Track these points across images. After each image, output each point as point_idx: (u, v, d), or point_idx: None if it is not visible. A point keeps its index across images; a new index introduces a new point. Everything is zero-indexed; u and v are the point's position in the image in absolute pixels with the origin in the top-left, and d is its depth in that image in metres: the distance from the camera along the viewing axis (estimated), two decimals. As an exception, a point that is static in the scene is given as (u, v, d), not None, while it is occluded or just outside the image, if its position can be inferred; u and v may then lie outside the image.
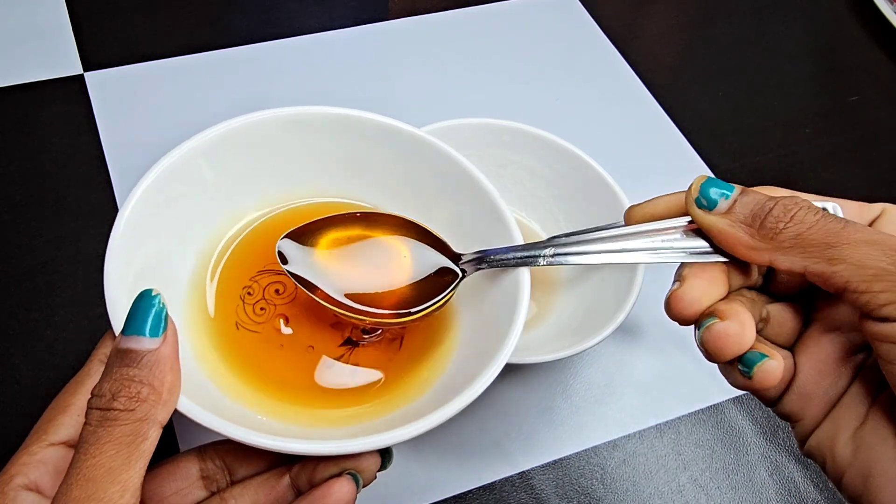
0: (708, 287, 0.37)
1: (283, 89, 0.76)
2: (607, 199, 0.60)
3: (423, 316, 0.45)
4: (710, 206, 0.36)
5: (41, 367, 0.56)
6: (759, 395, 0.39)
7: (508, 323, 0.43)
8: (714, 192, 0.36)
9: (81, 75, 0.73)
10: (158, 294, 0.36)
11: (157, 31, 0.79)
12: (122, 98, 0.72)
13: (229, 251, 0.49)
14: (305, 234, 0.47)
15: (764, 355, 0.35)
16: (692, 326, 0.37)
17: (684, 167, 0.76)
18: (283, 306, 0.48)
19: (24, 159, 0.67)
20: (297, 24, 0.82)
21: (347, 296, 0.45)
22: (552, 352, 0.52)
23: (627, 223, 0.40)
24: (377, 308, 0.45)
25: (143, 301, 0.36)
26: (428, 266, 0.46)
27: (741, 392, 0.62)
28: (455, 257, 0.46)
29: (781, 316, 0.39)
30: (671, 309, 0.37)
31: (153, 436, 0.34)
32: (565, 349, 0.53)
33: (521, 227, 0.54)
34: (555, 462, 0.57)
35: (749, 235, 0.35)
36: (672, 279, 0.38)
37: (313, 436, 0.41)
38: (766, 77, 0.86)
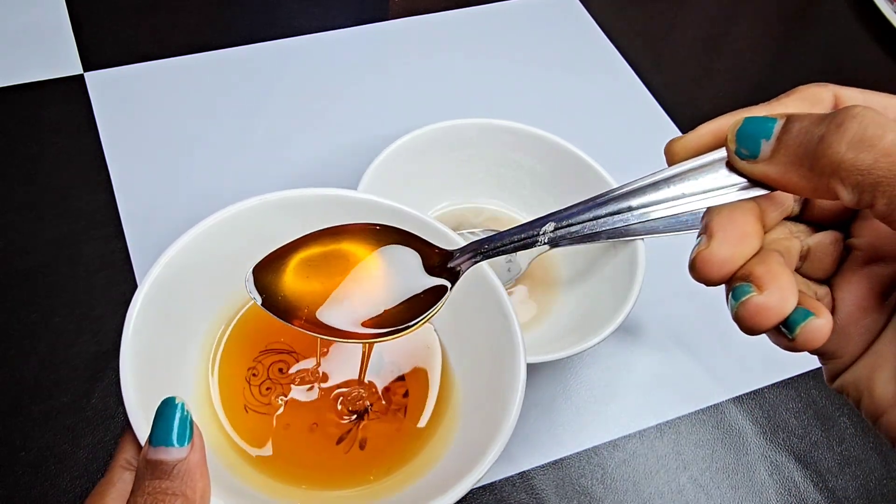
0: (740, 242, 0.32)
1: (283, 89, 0.76)
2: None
3: (418, 327, 0.41)
4: (752, 153, 0.31)
5: (41, 367, 0.56)
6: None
7: (511, 377, 0.43)
8: (752, 138, 0.31)
9: (81, 75, 0.73)
10: (182, 401, 0.36)
11: (157, 31, 0.79)
12: (122, 98, 0.72)
13: (229, 335, 0.49)
14: (276, 262, 0.43)
15: (809, 313, 0.31)
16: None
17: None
18: (287, 385, 0.48)
19: (24, 159, 0.67)
20: (297, 25, 0.82)
21: (323, 324, 0.41)
22: (552, 352, 0.52)
23: (670, 162, 0.35)
24: (365, 328, 0.41)
25: (168, 409, 0.35)
26: (414, 273, 0.42)
27: (741, 392, 0.62)
28: (446, 256, 0.42)
29: (821, 249, 0.35)
30: (698, 272, 0.33)
31: None
32: (565, 349, 0.53)
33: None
34: (555, 462, 0.57)
35: (805, 179, 0.30)
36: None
37: None
38: (767, 77, 0.86)
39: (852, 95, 0.34)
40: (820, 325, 0.31)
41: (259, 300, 0.41)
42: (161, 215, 0.65)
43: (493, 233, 0.42)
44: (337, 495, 0.44)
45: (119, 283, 0.61)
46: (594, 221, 0.36)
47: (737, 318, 0.32)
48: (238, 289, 0.47)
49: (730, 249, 0.32)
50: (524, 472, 0.57)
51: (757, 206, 0.33)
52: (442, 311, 0.43)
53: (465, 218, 0.66)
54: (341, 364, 0.49)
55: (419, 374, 0.50)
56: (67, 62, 0.74)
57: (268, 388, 0.47)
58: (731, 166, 0.32)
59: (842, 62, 0.91)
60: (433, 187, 0.65)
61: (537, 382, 0.61)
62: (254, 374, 0.48)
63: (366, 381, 0.48)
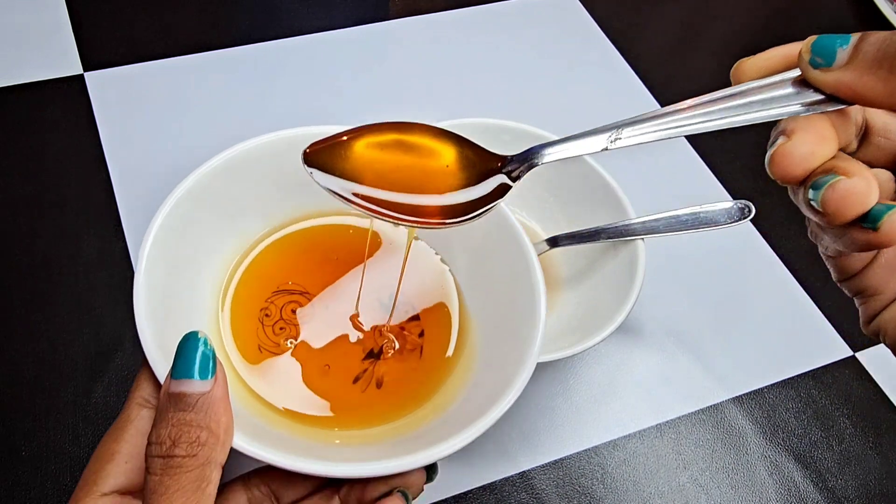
0: (819, 142, 0.32)
1: (283, 89, 0.76)
2: (608, 198, 0.60)
3: (473, 218, 0.42)
4: (827, 62, 0.31)
5: (42, 366, 0.56)
6: (843, 267, 0.36)
7: (531, 319, 0.43)
8: (828, 46, 0.31)
9: (81, 75, 0.73)
10: (205, 336, 0.36)
11: (157, 31, 0.79)
12: (122, 98, 0.72)
13: (240, 275, 0.49)
14: (335, 147, 0.42)
15: (891, 205, 0.31)
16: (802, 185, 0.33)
17: (684, 166, 0.76)
18: (301, 325, 0.48)
19: (24, 159, 0.67)
20: (297, 24, 0.82)
21: (388, 202, 0.41)
22: (552, 352, 0.52)
23: (736, 81, 0.35)
24: (421, 216, 0.41)
25: (190, 343, 0.35)
26: (473, 171, 0.43)
27: (741, 392, 0.62)
28: (501, 161, 0.43)
29: (884, 185, 0.36)
30: (778, 166, 0.33)
31: (215, 478, 0.34)
32: (565, 349, 0.53)
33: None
34: (555, 462, 0.57)
35: (883, 82, 0.30)
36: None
37: (356, 456, 0.41)
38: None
39: None
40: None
41: (311, 173, 0.41)
42: (161, 215, 0.65)
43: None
44: (356, 434, 0.45)
45: (119, 281, 0.61)
46: (658, 132, 0.37)
47: (821, 202, 0.32)
48: (250, 228, 0.49)
49: (810, 147, 0.32)
50: (524, 471, 0.57)
51: (833, 121, 0.33)
52: (458, 252, 0.43)
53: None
54: (361, 306, 0.49)
55: (435, 314, 0.50)
56: (67, 62, 0.74)
57: (281, 328, 0.48)
58: (800, 83, 0.33)
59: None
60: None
61: (537, 382, 0.61)
62: (266, 315, 0.48)
63: (387, 318, 0.49)
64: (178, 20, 0.80)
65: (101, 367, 0.57)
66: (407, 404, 0.46)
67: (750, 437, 0.60)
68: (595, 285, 0.60)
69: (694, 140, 0.78)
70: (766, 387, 0.63)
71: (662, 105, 0.80)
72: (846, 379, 0.64)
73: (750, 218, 0.55)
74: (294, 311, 0.48)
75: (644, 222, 0.58)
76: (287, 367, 0.46)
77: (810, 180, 0.32)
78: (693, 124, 0.35)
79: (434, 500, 0.55)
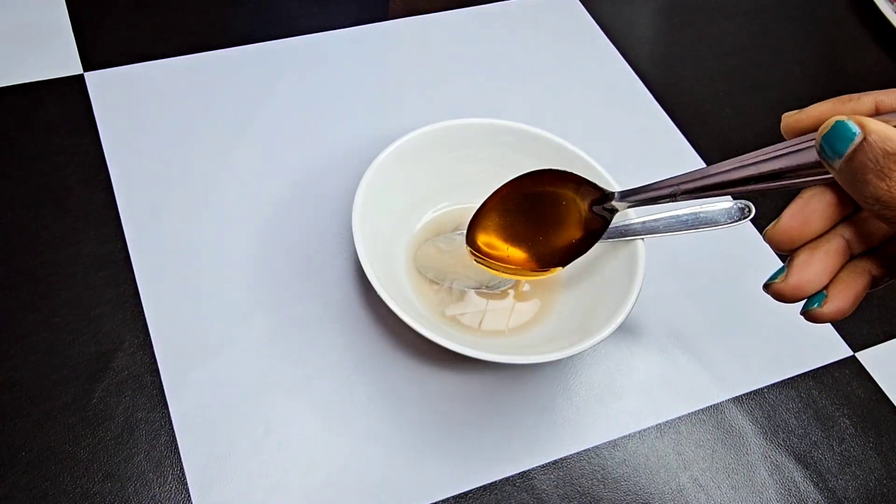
0: (803, 225, 0.39)
1: (282, 89, 0.76)
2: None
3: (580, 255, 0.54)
4: (828, 159, 0.36)
5: (39, 368, 0.56)
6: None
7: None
8: (832, 147, 0.35)
9: (81, 75, 0.73)
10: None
11: (157, 31, 0.78)
12: (122, 98, 0.72)
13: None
14: (481, 216, 0.57)
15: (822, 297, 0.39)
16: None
17: (685, 167, 0.75)
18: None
19: (23, 159, 0.67)
20: (297, 24, 0.82)
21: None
22: (552, 352, 0.52)
23: (787, 136, 0.41)
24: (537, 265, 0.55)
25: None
26: (579, 209, 0.54)
27: (741, 392, 0.62)
28: (607, 196, 0.53)
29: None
30: (769, 242, 0.40)
31: None
32: (565, 349, 0.53)
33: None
34: (555, 462, 0.57)
35: (873, 201, 0.34)
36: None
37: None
38: (767, 77, 0.86)
39: None
40: (820, 313, 0.39)
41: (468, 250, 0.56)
42: (161, 215, 0.65)
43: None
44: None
45: (118, 282, 0.61)
46: (719, 190, 0.43)
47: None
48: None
49: (790, 232, 0.39)
50: (524, 471, 0.57)
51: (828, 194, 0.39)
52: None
53: (465, 218, 0.66)
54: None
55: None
56: (67, 62, 0.74)
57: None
58: None
59: (841, 62, 0.91)
60: (434, 187, 0.65)
61: (537, 382, 0.61)
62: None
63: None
64: (178, 20, 0.80)
65: (100, 370, 0.57)
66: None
67: (750, 438, 0.60)
68: (595, 285, 0.60)
69: (694, 139, 0.78)
70: (766, 387, 0.63)
71: (662, 104, 0.80)
72: (846, 379, 0.64)
73: (750, 218, 0.55)
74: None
75: (644, 222, 0.58)
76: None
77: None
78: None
79: (435, 500, 0.55)
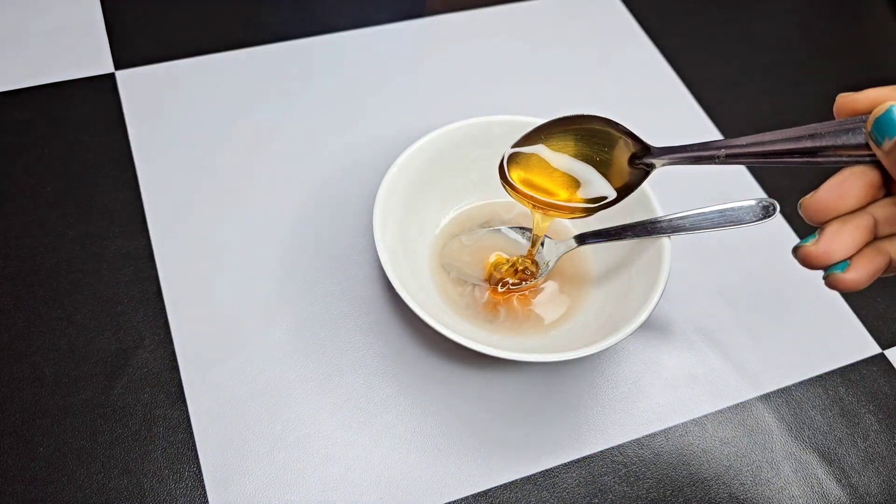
0: (838, 199, 0.41)
1: (315, 87, 0.76)
2: (638, 196, 0.59)
3: (618, 201, 0.54)
4: (877, 142, 0.38)
5: (62, 364, 0.57)
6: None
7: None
8: (881, 131, 0.38)
9: (112, 74, 0.74)
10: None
11: (189, 29, 0.79)
12: (151, 96, 0.73)
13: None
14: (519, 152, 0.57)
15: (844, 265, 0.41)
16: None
17: (726, 169, 0.74)
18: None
19: (52, 157, 0.67)
20: (332, 21, 0.82)
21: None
22: (574, 350, 0.52)
23: (839, 116, 0.42)
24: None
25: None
26: (621, 159, 0.53)
27: (769, 389, 0.61)
28: (647, 150, 0.52)
29: None
30: (803, 213, 0.42)
31: None
32: (590, 346, 0.52)
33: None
34: (578, 460, 0.57)
35: None
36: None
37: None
38: (806, 75, 0.85)
39: None
40: (841, 278, 0.41)
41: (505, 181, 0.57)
42: (185, 214, 0.65)
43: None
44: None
45: (142, 279, 0.61)
46: (762, 159, 0.44)
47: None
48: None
49: (826, 203, 0.41)
50: (547, 469, 0.56)
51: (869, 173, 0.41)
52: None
53: (496, 213, 0.66)
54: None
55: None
56: (99, 61, 0.75)
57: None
58: None
59: (879, 59, 0.89)
60: (459, 185, 0.65)
61: (562, 381, 0.60)
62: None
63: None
64: (212, 17, 0.81)
65: (120, 366, 0.57)
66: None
67: (776, 435, 0.59)
68: (623, 282, 0.60)
69: (732, 137, 0.77)
70: (793, 384, 0.62)
71: (700, 103, 0.80)
72: (873, 376, 0.63)
73: (774, 216, 0.54)
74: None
75: (670, 220, 0.57)
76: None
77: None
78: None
79: (457, 498, 0.54)
